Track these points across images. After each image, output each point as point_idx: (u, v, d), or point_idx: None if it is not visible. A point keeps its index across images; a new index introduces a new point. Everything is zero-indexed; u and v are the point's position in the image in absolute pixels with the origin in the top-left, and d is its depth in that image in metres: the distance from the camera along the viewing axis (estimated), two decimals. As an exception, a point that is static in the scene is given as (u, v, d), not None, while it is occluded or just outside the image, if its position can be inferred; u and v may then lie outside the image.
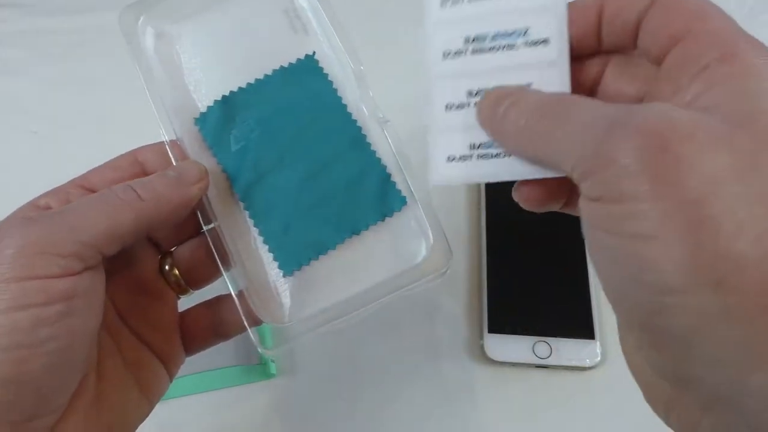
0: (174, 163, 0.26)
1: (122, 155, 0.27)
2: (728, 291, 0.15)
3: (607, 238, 0.17)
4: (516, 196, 0.23)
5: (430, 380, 0.43)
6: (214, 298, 0.28)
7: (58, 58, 0.55)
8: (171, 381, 0.27)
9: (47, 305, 0.19)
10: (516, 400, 0.42)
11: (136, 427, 0.25)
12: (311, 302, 0.26)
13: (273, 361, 0.42)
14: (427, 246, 0.26)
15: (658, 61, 0.19)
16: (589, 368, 0.40)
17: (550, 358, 0.41)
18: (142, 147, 0.27)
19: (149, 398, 0.25)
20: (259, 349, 0.26)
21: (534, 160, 0.20)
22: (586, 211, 0.18)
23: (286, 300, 0.26)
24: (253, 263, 0.26)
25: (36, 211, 0.23)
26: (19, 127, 0.52)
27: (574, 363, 0.41)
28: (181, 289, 0.28)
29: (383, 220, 0.27)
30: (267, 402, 0.43)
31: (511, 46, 0.22)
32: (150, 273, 0.26)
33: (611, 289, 0.18)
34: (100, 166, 0.26)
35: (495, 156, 0.23)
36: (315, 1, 0.28)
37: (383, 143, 0.27)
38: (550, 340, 0.41)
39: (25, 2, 0.57)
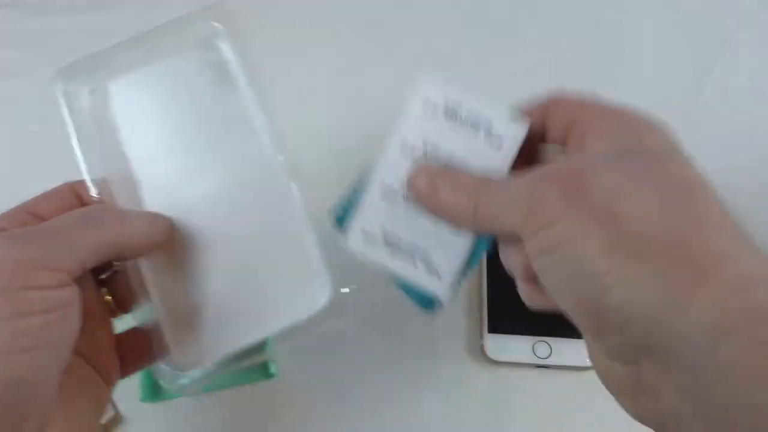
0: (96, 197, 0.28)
1: (60, 187, 0.29)
2: (645, 260, 0.19)
3: (548, 256, 0.21)
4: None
5: (430, 380, 0.43)
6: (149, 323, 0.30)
7: (58, 58, 0.55)
8: (111, 393, 0.28)
9: (48, 312, 0.21)
10: (516, 400, 0.42)
11: None
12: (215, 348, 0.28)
13: (273, 361, 0.42)
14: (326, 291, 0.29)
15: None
16: (589, 368, 0.40)
17: (550, 358, 0.41)
18: (79, 181, 0.29)
19: (98, 408, 0.27)
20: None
21: (477, 229, 0.26)
22: (529, 247, 0.22)
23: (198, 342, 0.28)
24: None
25: None
26: (19, 127, 0.52)
27: (574, 363, 0.41)
28: (114, 313, 0.29)
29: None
30: (267, 402, 0.43)
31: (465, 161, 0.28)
32: (90, 294, 0.27)
33: (564, 298, 0.22)
34: (39, 196, 0.28)
35: (395, 253, 0.29)
36: (239, 55, 0.30)
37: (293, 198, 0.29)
38: (550, 340, 0.41)
39: (25, 2, 0.57)
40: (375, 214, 0.29)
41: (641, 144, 0.23)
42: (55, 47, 0.56)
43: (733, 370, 0.18)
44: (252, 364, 0.42)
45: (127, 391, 0.41)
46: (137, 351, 0.29)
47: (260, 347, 0.43)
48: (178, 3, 0.56)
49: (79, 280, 0.23)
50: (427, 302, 0.31)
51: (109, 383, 0.28)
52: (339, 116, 0.50)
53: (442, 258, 0.30)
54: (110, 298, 0.29)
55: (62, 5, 0.57)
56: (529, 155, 0.28)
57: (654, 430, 0.21)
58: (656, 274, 0.19)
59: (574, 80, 0.54)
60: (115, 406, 0.40)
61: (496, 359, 0.42)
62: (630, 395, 0.22)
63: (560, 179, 0.22)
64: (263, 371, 0.42)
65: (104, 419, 0.40)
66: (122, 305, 0.29)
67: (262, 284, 0.28)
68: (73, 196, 0.28)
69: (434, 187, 0.26)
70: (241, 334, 0.28)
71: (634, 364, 0.21)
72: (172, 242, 0.28)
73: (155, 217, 0.27)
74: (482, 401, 0.42)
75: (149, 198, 0.29)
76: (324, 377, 0.43)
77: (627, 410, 0.22)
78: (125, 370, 0.29)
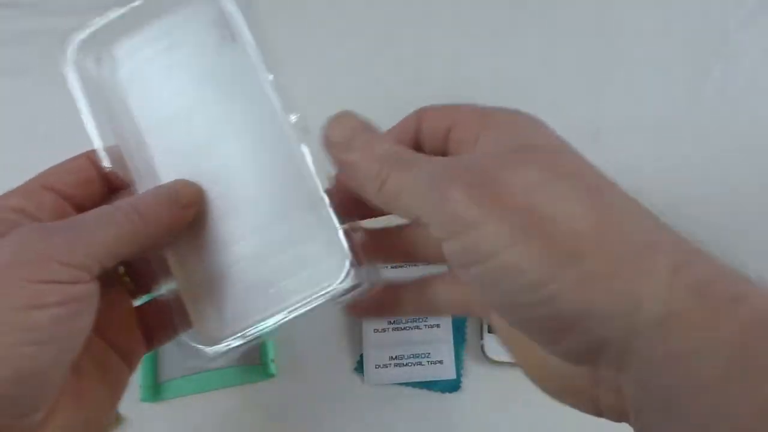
0: (109, 166, 0.27)
1: (76, 157, 0.28)
2: (584, 260, 0.18)
3: (477, 270, 0.20)
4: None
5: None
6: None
7: (57, 58, 0.55)
8: (131, 375, 0.28)
9: (61, 306, 0.21)
10: (516, 400, 0.42)
11: (105, 424, 0.26)
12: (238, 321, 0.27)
13: (273, 361, 0.42)
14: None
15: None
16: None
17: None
18: (93, 150, 0.28)
19: (115, 395, 0.27)
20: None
21: (381, 204, 0.23)
22: (447, 253, 0.20)
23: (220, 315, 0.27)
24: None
25: (10, 214, 0.24)
26: (19, 127, 0.52)
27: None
28: (132, 294, 0.29)
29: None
30: (267, 402, 0.43)
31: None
32: (108, 276, 0.26)
33: (503, 310, 0.21)
34: (56, 167, 0.27)
35: (405, 365, 0.41)
36: (241, 8, 0.28)
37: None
38: (550, 340, 0.42)
39: (25, 2, 0.57)
40: (377, 351, 0.41)
41: (535, 141, 0.22)
42: (55, 47, 0.56)
43: (684, 356, 0.18)
44: (252, 364, 0.43)
45: (127, 391, 0.41)
46: (161, 323, 0.28)
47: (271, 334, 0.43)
48: (173, 3, 0.56)
49: (99, 276, 0.23)
50: (447, 387, 0.42)
51: (131, 363, 0.27)
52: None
53: (437, 350, 0.42)
54: (128, 279, 0.28)
55: (62, 5, 0.57)
56: None
57: (616, 422, 0.21)
58: (597, 274, 0.18)
59: (574, 81, 0.54)
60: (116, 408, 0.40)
61: (496, 359, 0.42)
62: (588, 395, 0.21)
63: (469, 174, 0.20)
64: (263, 371, 0.42)
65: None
66: (142, 285, 0.29)
67: (282, 252, 0.26)
68: (92, 166, 0.27)
69: (348, 145, 0.23)
70: (264, 307, 0.26)
71: (591, 364, 0.20)
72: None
73: (177, 199, 0.26)
74: (483, 400, 0.42)
75: (164, 167, 0.27)
76: (324, 377, 0.43)
77: (584, 410, 0.22)
78: (149, 345, 0.29)
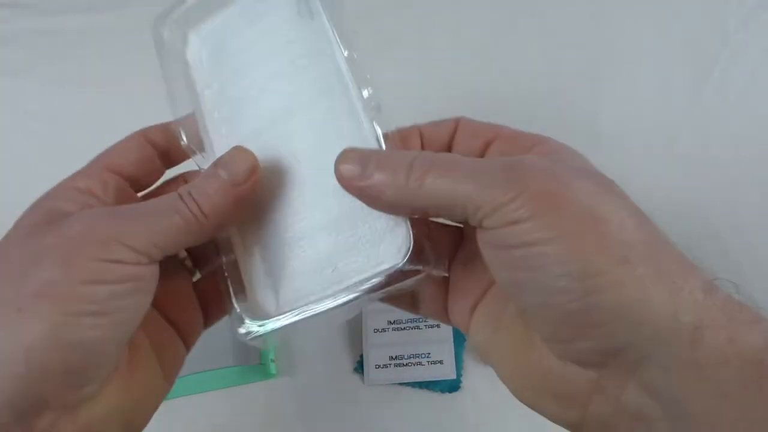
0: (184, 141, 0.27)
1: (132, 137, 0.28)
2: (633, 265, 0.20)
3: (522, 252, 0.21)
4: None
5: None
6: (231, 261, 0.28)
7: (58, 58, 0.55)
8: (187, 355, 0.28)
9: (120, 284, 0.22)
10: (516, 399, 0.42)
11: (158, 405, 0.27)
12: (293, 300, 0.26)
13: (273, 361, 0.42)
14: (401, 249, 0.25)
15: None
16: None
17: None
18: (150, 127, 0.28)
19: (169, 377, 0.27)
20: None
21: (414, 208, 0.23)
22: (492, 238, 0.21)
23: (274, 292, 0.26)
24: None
25: (76, 194, 0.25)
26: (19, 127, 0.52)
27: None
28: (189, 271, 0.30)
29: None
30: (267, 402, 0.43)
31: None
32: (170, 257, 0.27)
33: (530, 297, 0.22)
34: (116, 148, 0.28)
35: (405, 365, 0.42)
36: None
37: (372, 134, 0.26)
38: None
39: (25, 2, 0.57)
40: (377, 350, 0.41)
41: (585, 167, 0.24)
42: (55, 47, 0.56)
43: (710, 366, 0.19)
44: (252, 364, 0.43)
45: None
46: (217, 298, 0.28)
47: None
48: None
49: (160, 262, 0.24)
50: (446, 387, 0.42)
51: (189, 342, 0.28)
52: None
53: (437, 350, 0.43)
54: (189, 262, 0.29)
55: (62, 5, 0.57)
56: None
57: (594, 430, 0.22)
58: (642, 280, 0.20)
59: (574, 82, 0.54)
60: None
61: (495, 359, 0.42)
62: (580, 398, 0.22)
63: (543, 167, 0.21)
64: (263, 371, 0.42)
65: None
66: (201, 263, 0.30)
67: (343, 232, 0.25)
68: (148, 144, 0.28)
69: (362, 174, 0.23)
70: (322, 287, 0.25)
71: (596, 368, 0.21)
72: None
73: (234, 165, 0.25)
74: (483, 400, 0.42)
75: (230, 139, 0.27)
76: (324, 376, 0.43)
77: (560, 419, 0.23)
78: (207, 321, 0.29)
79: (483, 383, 0.43)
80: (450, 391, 0.42)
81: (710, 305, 0.20)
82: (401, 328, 0.44)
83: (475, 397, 0.43)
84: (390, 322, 0.44)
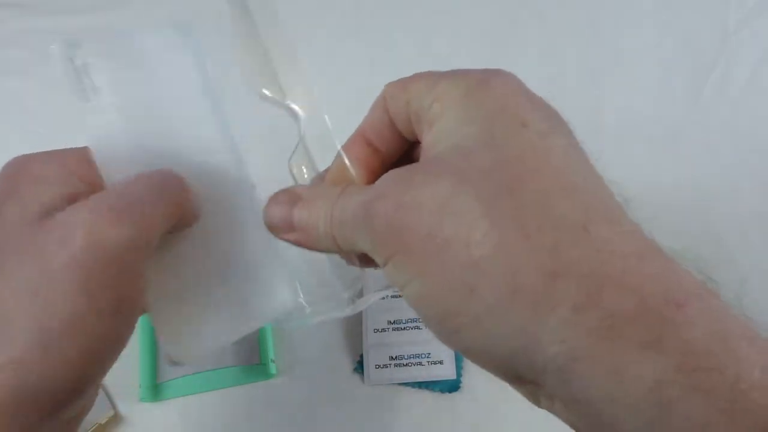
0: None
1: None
2: (483, 295, 0.17)
3: (402, 295, 0.19)
4: None
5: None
6: None
7: (58, 58, 0.55)
8: None
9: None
10: (515, 399, 0.42)
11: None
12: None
13: (273, 361, 0.42)
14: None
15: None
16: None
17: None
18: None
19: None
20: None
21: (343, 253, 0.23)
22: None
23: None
24: None
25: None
26: (19, 127, 0.52)
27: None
28: None
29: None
30: (267, 402, 0.43)
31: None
32: None
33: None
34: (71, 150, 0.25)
35: (405, 365, 0.42)
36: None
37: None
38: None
39: (25, 2, 0.57)
40: (377, 350, 0.42)
41: (474, 124, 0.19)
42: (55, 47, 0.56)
43: (594, 402, 0.16)
44: (252, 364, 0.42)
45: (127, 391, 0.41)
46: None
47: (262, 345, 0.43)
48: (176, 3, 0.56)
49: None
50: (446, 387, 0.42)
51: None
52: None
53: (438, 350, 0.43)
54: None
55: (62, 5, 0.57)
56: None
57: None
58: (495, 309, 0.17)
59: (574, 81, 0.54)
60: (114, 406, 0.40)
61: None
62: (530, 399, 0.20)
63: (386, 201, 0.19)
64: (263, 371, 0.42)
65: (103, 419, 0.39)
66: None
67: (245, 275, 0.26)
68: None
69: (289, 226, 0.22)
70: (229, 328, 0.26)
71: (521, 386, 0.20)
72: None
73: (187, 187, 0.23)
74: (482, 401, 0.42)
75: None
76: (324, 377, 0.43)
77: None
78: None
79: (483, 383, 0.43)
80: (450, 391, 0.42)
81: (582, 330, 0.16)
82: (401, 329, 0.44)
83: (475, 397, 0.42)
84: (390, 322, 0.44)
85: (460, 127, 0.19)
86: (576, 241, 0.17)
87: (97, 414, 0.40)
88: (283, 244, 0.24)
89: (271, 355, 0.43)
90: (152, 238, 0.21)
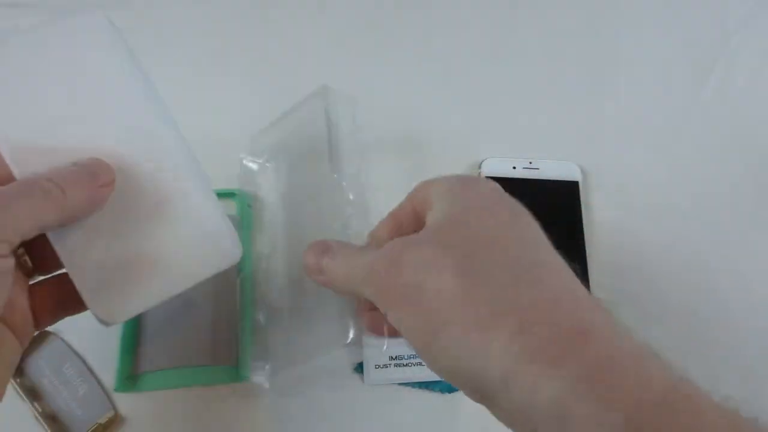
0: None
1: None
2: (449, 328, 0.23)
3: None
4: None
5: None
6: (63, 273, 0.28)
7: (58, 58, 0.55)
8: (22, 351, 0.28)
9: None
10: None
11: None
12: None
13: (248, 364, 0.42)
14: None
15: None
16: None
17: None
18: None
19: (6, 365, 0.26)
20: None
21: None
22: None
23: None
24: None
25: None
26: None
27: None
28: (29, 272, 0.29)
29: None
30: (267, 402, 0.43)
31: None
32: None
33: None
34: None
35: (405, 365, 0.42)
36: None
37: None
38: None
39: (25, 2, 0.57)
40: (377, 350, 0.42)
41: (453, 212, 0.26)
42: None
43: (519, 412, 0.21)
44: (227, 365, 0.42)
45: (104, 378, 0.41)
46: (49, 304, 0.29)
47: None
48: (174, 2, 0.56)
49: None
50: (446, 387, 0.43)
51: (23, 338, 0.27)
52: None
53: None
54: (24, 252, 0.29)
55: (62, 5, 0.57)
56: None
57: None
58: (459, 339, 0.22)
59: (573, 83, 0.54)
60: (114, 407, 0.40)
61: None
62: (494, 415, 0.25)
63: (381, 262, 0.25)
64: (236, 373, 0.41)
65: (103, 419, 0.39)
66: (42, 266, 0.29)
67: (171, 235, 0.28)
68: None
69: (319, 270, 0.29)
70: (155, 289, 0.28)
71: (482, 399, 0.24)
72: None
73: (97, 168, 0.26)
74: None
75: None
76: (325, 376, 0.43)
77: None
78: (41, 322, 0.29)
79: (483, 383, 0.43)
80: (450, 392, 0.42)
81: (513, 352, 0.21)
82: None
83: (475, 397, 0.43)
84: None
85: (445, 211, 0.26)
86: (515, 288, 0.22)
87: (97, 414, 0.39)
88: None
89: (247, 357, 0.42)
90: (10, 234, 0.22)
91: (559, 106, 0.53)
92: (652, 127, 0.52)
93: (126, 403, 0.41)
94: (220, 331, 0.42)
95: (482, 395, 0.23)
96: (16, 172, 0.26)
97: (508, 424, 0.22)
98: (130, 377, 0.40)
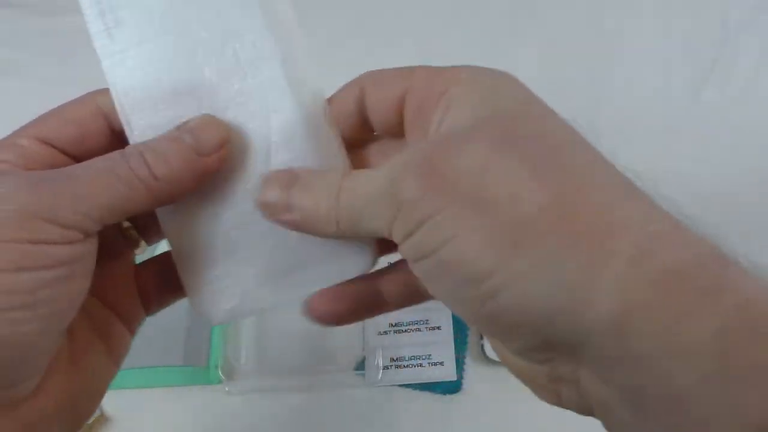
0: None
1: (80, 101, 0.23)
2: (526, 249, 0.17)
3: (426, 264, 0.19)
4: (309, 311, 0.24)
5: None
6: (168, 252, 0.25)
7: (58, 58, 0.55)
8: (132, 339, 0.25)
9: (48, 269, 0.19)
10: (516, 400, 0.42)
11: (106, 389, 0.24)
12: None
13: (217, 367, 0.42)
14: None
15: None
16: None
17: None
18: (104, 91, 0.23)
19: (115, 359, 0.24)
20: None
21: (343, 236, 0.21)
22: (403, 253, 0.20)
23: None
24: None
25: None
26: (18, 127, 0.52)
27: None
28: (135, 243, 0.26)
29: None
30: (267, 401, 0.43)
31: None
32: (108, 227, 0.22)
33: (455, 307, 0.19)
34: (56, 113, 0.23)
35: (406, 366, 0.42)
36: None
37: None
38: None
39: (25, 2, 0.57)
40: (378, 351, 0.42)
41: (497, 104, 0.20)
42: (55, 47, 0.56)
43: (648, 358, 0.16)
44: (198, 366, 0.42)
45: (114, 391, 0.41)
46: (159, 286, 0.25)
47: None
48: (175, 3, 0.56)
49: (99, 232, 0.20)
50: (447, 388, 0.42)
51: (132, 328, 0.25)
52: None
53: (438, 351, 0.43)
54: (131, 226, 0.25)
55: (62, 5, 0.57)
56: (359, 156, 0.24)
57: (582, 415, 0.20)
58: (546, 264, 0.16)
59: (573, 82, 0.54)
60: (100, 407, 0.40)
61: (495, 359, 0.42)
62: (550, 390, 0.20)
63: (418, 166, 0.19)
64: (207, 375, 0.41)
65: (90, 419, 0.39)
66: (148, 233, 0.25)
67: (300, 237, 0.23)
68: (101, 116, 0.23)
69: (286, 206, 0.21)
70: (271, 291, 0.23)
71: (546, 363, 0.19)
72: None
73: (202, 132, 0.21)
74: (483, 400, 0.42)
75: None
76: (326, 377, 0.43)
77: (550, 403, 0.21)
78: (148, 309, 0.25)
79: (483, 385, 0.43)
80: (451, 393, 0.42)
81: (639, 280, 0.16)
82: (402, 330, 0.44)
83: (475, 399, 0.42)
84: (391, 325, 0.44)
85: (482, 108, 0.20)
86: (626, 201, 0.17)
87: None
88: None
89: (215, 360, 0.42)
90: (73, 212, 0.19)
91: (559, 106, 0.53)
92: (652, 126, 0.52)
93: (112, 402, 0.41)
94: (193, 332, 0.42)
95: (555, 347, 0.18)
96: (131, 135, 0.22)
97: (577, 393, 0.18)
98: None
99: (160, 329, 0.42)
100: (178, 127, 0.22)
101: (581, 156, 0.18)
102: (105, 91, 0.23)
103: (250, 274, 0.23)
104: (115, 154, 0.21)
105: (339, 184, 0.21)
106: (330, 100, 0.23)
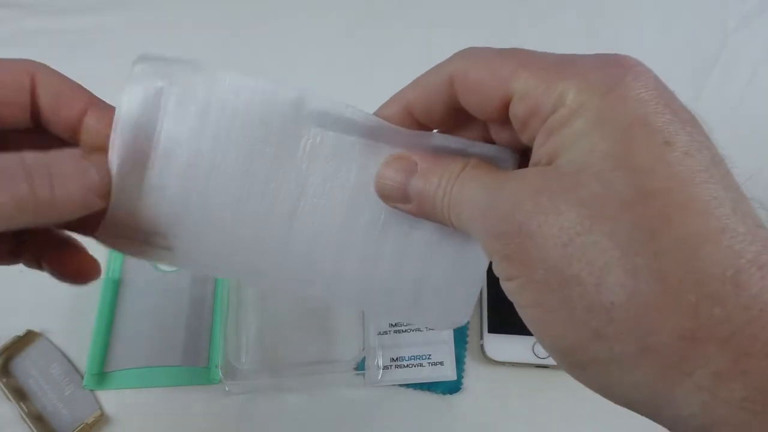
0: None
1: (17, 65, 0.22)
2: (606, 342, 0.16)
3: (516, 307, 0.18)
4: None
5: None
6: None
7: (58, 58, 0.55)
8: None
9: None
10: (516, 400, 0.42)
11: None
12: None
13: (217, 367, 0.42)
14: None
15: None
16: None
17: (549, 357, 0.41)
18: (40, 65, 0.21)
19: None
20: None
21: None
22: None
23: None
24: None
25: None
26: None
27: (573, 363, 0.41)
28: (7, 259, 0.24)
29: None
30: (267, 401, 0.42)
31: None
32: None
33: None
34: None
35: (406, 366, 0.42)
36: None
37: None
38: (549, 340, 0.42)
39: (25, 2, 0.57)
40: (378, 351, 0.42)
41: (625, 119, 0.18)
42: (55, 47, 0.56)
43: None
44: (199, 366, 0.42)
45: (114, 391, 0.41)
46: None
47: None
48: (174, 3, 0.56)
49: None
50: (447, 388, 0.42)
51: None
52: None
53: (438, 351, 0.43)
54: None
55: (62, 5, 0.57)
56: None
57: None
58: (622, 362, 0.16)
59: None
60: (100, 406, 0.40)
61: (495, 359, 0.42)
62: None
63: (503, 221, 0.17)
64: (206, 376, 0.41)
65: (90, 419, 0.39)
66: (31, 255, 0.24)
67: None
68: (27, 89, 0.21)
69: (404, 195, 0.21)
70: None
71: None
72: None
73: (90, 171, 0.21)
74: (482, 401, 0.42)
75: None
76: (325, 377, 0.43)
77: None
78: None
79: (483, 385, 0.43)
80: (451, 393, 0.42)
81: (721, 397, 0.15)
82: (402, 330, 0.44)
83: (475, 399, 0.42)
84: (391, 325, 0.44)
85: (593, 140, 0.17)
86: (720, 298, 0.15)
87: (84, 414, 0.39)
88: None
89: (216, 360, 0.42)
90: None
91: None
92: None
93: (112, 402, 0.41)
94: (193, 332, 0.42)
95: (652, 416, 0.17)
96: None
97: None
98: (100, 374, 0.40)
99: (160, 329, 0.42)
100: (72, 150, 0.21)
101: (689, 225, 0.15)
102: (42, 66, 0.22)
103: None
104: (14, 157, 0.19)
105: (456, 179, 0.20)
106: (416, 88, 0.22)
